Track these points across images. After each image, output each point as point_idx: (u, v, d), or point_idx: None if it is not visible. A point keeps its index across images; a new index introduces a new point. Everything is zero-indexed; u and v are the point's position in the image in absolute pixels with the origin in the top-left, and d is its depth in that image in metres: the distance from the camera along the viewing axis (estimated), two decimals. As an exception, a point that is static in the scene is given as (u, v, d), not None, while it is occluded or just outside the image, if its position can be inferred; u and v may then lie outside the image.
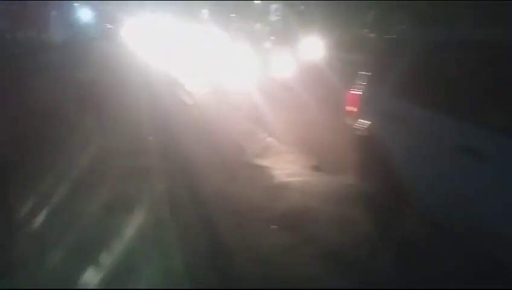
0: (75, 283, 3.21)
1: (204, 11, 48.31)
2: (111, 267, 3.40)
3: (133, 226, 4.00)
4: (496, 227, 3.05)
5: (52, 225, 4.02)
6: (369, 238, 3.93)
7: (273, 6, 34.16)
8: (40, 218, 4.15)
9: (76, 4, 35.57)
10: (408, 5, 18.98)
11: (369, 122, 4.64)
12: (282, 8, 31.40)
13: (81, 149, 6.12)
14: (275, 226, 4.17)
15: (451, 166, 3.42)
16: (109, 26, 36.08)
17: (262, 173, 5.61)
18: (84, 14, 35.77)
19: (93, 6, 36.13)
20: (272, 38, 26.21)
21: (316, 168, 5.75)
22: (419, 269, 3.40)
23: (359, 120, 4.78)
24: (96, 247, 3.60)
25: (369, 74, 4.86)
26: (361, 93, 4.86)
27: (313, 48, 19.66)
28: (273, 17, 34.84)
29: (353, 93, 4.97)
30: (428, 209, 3.86)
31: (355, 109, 4.92)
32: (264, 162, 6.01)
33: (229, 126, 8.15)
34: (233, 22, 36.40)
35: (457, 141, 3.33)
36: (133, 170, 5.39)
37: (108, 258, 3.51)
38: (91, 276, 3.29)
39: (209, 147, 6.79)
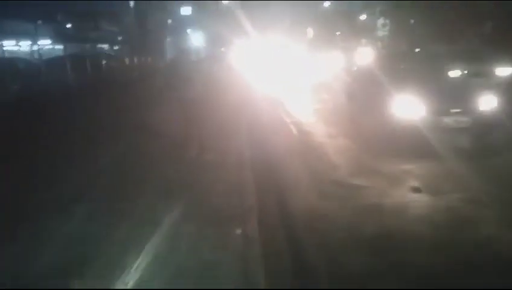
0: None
1: (309, 30, 48.71)
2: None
3: (220, 239, 4.06)
4: None
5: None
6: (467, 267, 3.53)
7: (380, 21, 33.26)
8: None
9: (189, 30, 38.24)
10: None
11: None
12: (389, 23, 30.41)
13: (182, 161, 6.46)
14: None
15: None
16: (221, 49, 38.01)
17: (355, 193, 5.38)
18: (196, 39, 38.29)
19: (205, 31, 38.53)
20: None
21: (416, 190, 5.35)
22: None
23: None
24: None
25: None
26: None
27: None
28: (380, 33, 33.92)
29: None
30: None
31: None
32: (358, 181, 5.76)
33: (326, 142, 8.02)
34: (338, 40, 36.12)
35: None
36: (226, 184, 5.51)
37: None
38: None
39: (303, 163, 6.73)
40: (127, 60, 29.19)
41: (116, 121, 10.05)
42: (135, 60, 29.90)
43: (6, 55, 30.97)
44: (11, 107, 12.81)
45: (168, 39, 39.42)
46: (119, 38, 40.71)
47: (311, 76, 20.97)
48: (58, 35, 38.65)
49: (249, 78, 20.59)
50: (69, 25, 40.45)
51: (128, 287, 3.50)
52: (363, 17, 39.39)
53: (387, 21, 30.87)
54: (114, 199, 5.12)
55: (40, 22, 35.64)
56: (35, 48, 36.99)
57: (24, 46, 37.56)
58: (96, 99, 13.80)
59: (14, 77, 14.11)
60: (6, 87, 13.39)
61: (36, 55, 33.08)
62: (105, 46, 40.91)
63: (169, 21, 41.64)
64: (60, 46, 38.20)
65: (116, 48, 40.83)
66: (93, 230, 4.28)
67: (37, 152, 7.31)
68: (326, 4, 48.89)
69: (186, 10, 43.27)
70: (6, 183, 5.68)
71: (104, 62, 24.47)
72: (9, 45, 36.67)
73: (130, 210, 4.71)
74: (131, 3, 33.51)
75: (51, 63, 20.42)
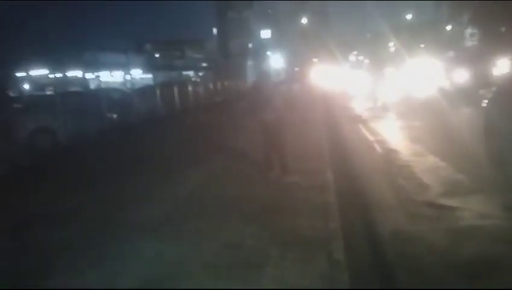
0: None
1: (391, 44, 47.47)
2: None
3: (305, 262, 4.02)
4: None
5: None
6: None
7: (468, 31, 31.51)
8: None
9: (269, 53, 39.11)
10: None
11: None
12: (478, 32, 28.73)
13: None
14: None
15: None
16: (297, 69, 38.36)
17: (446, 214, 5.08)
18: (275, 61, 38.99)
19: (285, 52, 39.18)
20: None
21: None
22: None
23: None
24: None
25: None
26: None
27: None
28: (469, 43, 32.08)
29: None
30: None
31: None
32: (449, 202, 5.44)
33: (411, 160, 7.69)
34: (423, 52, 34.70)
35: None
36: (309, 208, 5.47)
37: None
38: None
39: (389, 182, 6.52)
40: (211, 85, 30.44)
41: (200, 143, 10.50)
42: (218, 84, 31.10)
43: (102, 85, 33.82)
44: (111, 135, 13.92)
45: (249, 63, 40.56)
46: (204, 64, 42.71)
47: (395, 91, 20.26)
48: (148, 65, 41.52)
49: (329, 96, 20.48)
50: (157, 55, 43.40)
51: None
52: (449, 27, 37.63)
53: (476, 30, 29.18)
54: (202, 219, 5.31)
55: (130, 53, 38.58)
56: (127, 77, 40.05)
57: (117, 75, 40.84)
58: (183, 125, 14.56)
59: (110, 107, 15.34)
60: (102, 118, 14.58)
61: (128, 85, 35.76)
62: (191, 73, 43.10)
63: (250, 45, 42.88)
64: (149, 75, 41.02)
65: (200, 74, 42.86)
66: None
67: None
68: (409, 16, 47.49)
69: (266, 33, 44.34)
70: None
71: (190, 88, 25.68)
72: (104, 75, 40.07)
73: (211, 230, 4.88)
74: (214, 31, 35.11)
75: (142, 91, 21.88)
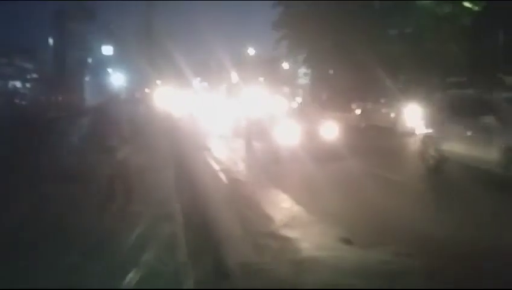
0: None
1: (233, 74, 49.82)
2: None
3: None
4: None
5: None
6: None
7: (301, 70, 34.90)
8: None
9: (109, 70, 37.50)
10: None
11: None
12: (311, 72, 32.03)
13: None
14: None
15: None
16: (145, 90, 37.47)
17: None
18: (116, 79, 37.50)
19: (127, 71, 37.90)
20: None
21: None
22: None
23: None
24: None
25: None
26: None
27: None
28: (302, 81, 35.49)
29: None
30: None
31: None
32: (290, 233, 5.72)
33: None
34: (262, 85, 37.17)
35: None
36: (155, 239, 5.22)
37: None
38: None
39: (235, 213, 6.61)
40: (43, 98, 27.78)
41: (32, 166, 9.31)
42: (52, 98, 28.53)
43: None
44: None
45: (87, 78, 38.28)
46: (34, 75, 38.82)
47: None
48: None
49: (172, 118, 20.39)
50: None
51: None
52: (285, 65, 41.13)
53: (309, 70, 32.50)
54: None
55: None
56: None
57: None
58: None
59: None
60: None
61: None
62: (17, 83, 38.69)
63: (89, 60, 40.55)
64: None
65: (28, 85, 38.76)
66: None
67: None
68: (251, 52, 50.56)
69: (107, 50, 42.39)
70: None
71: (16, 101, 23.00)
72: None
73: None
74: (50, 41, 32.35)
75: None
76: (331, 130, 12.44)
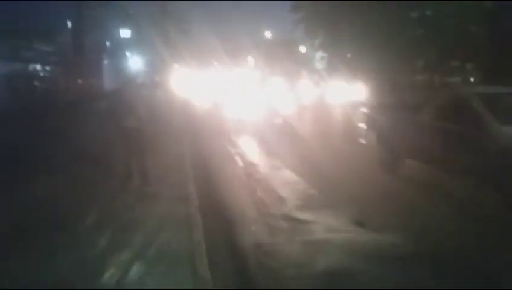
0: None
1: (249, 58, 49.73)
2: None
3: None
4: None
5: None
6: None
7: (319, 54, 34.58)
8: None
9: (128, 54, 37.57)
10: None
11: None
12: (327, 56, 31.73)
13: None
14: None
15: None
16: (162, 73, 37.46)
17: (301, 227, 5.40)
18: (135, 63, 37.57)
19: (145, 54, 37.97)
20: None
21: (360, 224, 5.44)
22: None
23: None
24: None
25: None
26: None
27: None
28: (319, 65, 35.20)
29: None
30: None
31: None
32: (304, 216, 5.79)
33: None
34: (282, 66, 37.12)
35: None
36: (171, 220, 5.33)
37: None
38: None
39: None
40: (63, 82, 28.02)
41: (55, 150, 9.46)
42: (71, 81, 28.74)
43: None
44: None
45: (106, 61, 38.47)
46: (54, 58, 39.21)
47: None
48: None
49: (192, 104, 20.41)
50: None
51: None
52: (302, 48, 40.77)
53: (325, 54, 32.15)
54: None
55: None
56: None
57: None
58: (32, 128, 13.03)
59: None
60: None
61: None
62: (38, 66, 39.08)
63: (108, 43, 40.66)
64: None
65: (48, 68, 39.14)
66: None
67: None
68: (268, 35, 50.20)
69: (125, 33, 42.43)
70: None
71: (36, 84, 23.31)
72: None
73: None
74: (69, 24, 32.51)
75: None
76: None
